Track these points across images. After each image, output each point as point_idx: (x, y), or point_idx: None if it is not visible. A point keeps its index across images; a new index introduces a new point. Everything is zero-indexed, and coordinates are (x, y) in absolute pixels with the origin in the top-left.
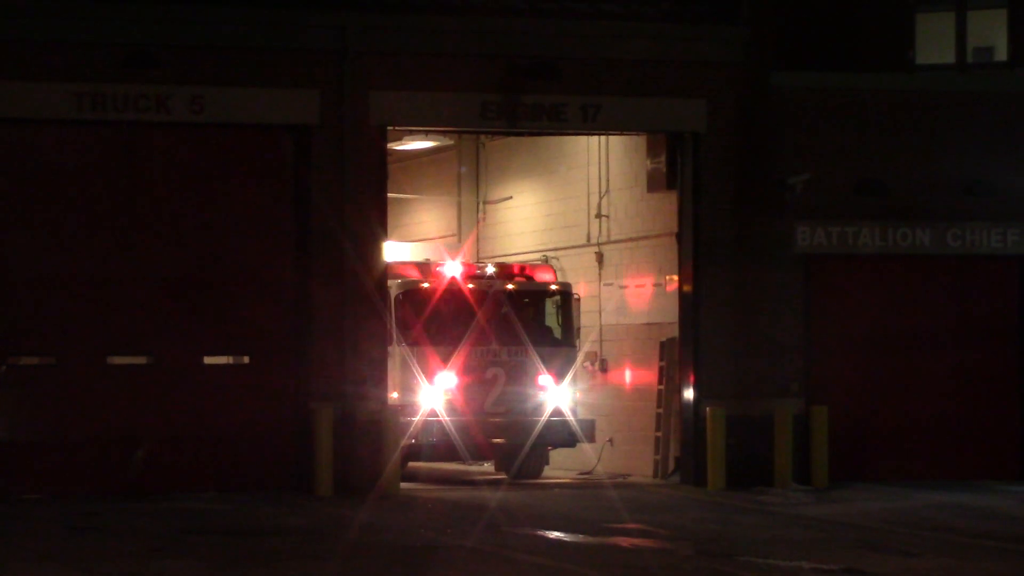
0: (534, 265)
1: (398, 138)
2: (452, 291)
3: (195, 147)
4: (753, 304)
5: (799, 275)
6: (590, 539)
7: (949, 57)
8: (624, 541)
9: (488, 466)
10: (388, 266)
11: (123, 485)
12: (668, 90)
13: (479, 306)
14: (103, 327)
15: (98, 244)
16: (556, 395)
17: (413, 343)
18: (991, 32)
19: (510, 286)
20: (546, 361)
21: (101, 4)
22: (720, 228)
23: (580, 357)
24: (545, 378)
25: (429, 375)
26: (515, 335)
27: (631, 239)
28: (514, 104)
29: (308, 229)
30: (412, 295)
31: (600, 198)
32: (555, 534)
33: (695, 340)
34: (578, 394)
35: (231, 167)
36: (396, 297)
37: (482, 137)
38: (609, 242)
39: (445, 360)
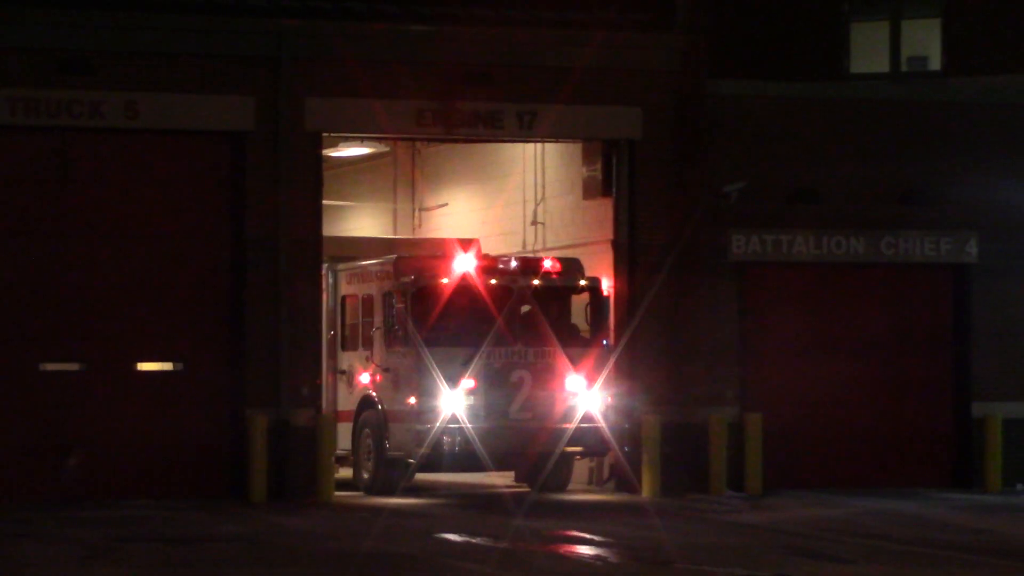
0: (560, 259)
1: (334, 145)
2: (472, 288)
3: (130, 153)
4: (688, 311)
5: (734, 282)
6: (524, 546)
7: (884, 66)
8: (559, 548)
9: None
10: (401, 260)
11: (56, 492)
12: (604, 98)
13: (502, 304)
14: (36, 333)
15: (30, 250)
16: (586, 399)
17: (432, 344)
18: (925, 41)
19: (536, 282)
20: (576, 363)
21: (35, 10)
22: (655, 235)
23: (612, 358)
24: (574, 381)
25: (449, 379)
26: (541, 335)
27: (567, 246)
28: (450, 111)
29: (243, 235)
30: (430, 292)
31: (536, 205)
32: (484, 540)
33: (630, 347)
34: (609, 399)
35: (166, 173)
36: (412, 294)
37: (418, 144)
38: (545, 249)
39: (466, 362)
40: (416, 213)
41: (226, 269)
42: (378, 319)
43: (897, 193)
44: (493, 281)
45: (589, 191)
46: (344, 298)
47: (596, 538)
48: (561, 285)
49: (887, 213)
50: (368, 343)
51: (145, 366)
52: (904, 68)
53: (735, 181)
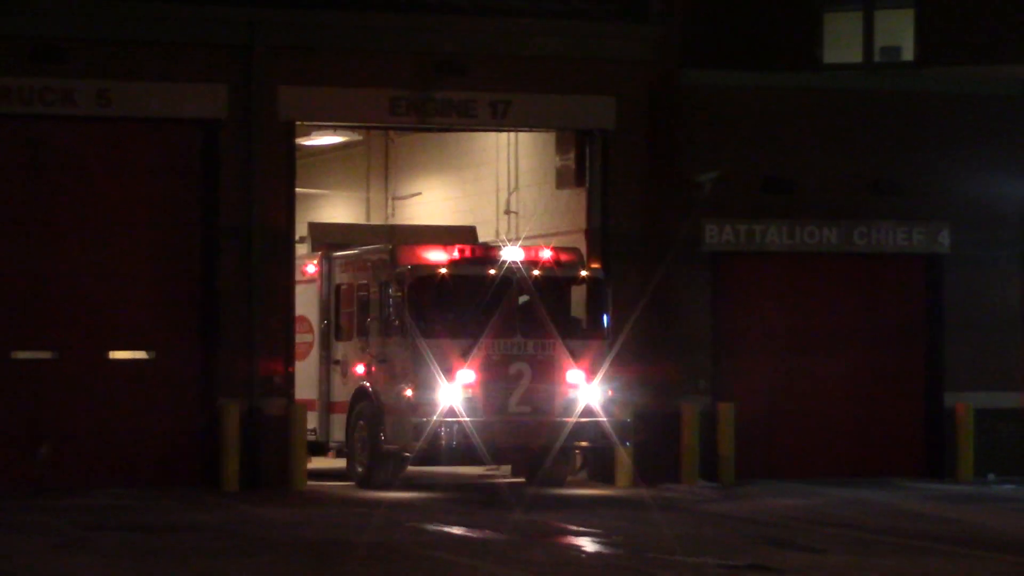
0: (560, 249)
1: (307, 133)
2: (472, 277)
3: (102, 141)
4: (661, 301)
5: (707, 272)
6: (495, 535)
7: (857, 56)
8: (530, 536)
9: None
10: (400, 249)
11: (27, 481)
12: (578, 87)
13: (502, 294)
14: (7, 322)
15: (1, 238)
16: (587, 393)
17: (429, 335)
18: (898, 32)
19: (536, 272)
20: (576, 355)
21: None
22: (629, 225)
23: (614, 351)
24: (575, 374)
25: (447, 371)
26: (542, 326)
27: (540, 236)
28: (424, 100)
29: (216, 223)
30: (428, 282)
31: (509, 194)
32: (458, 530)
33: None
34: (610, 392)
35: (139, 161)
36: (411, 284)
37: (391, 133)
38: (518, 238)
39: (465, 354)
40: (389, 202)
41: (199, 257)
42: (374, 309)
43: (870, 183)
44: (493, 271)
45: (562, 181)
46: (339, 287)
47: (573, 528)
48: (562, 276)
49: (860, 203)
50: (363, 333)
51: (117, 354)
52: (877, 58)
53: (708, 171)
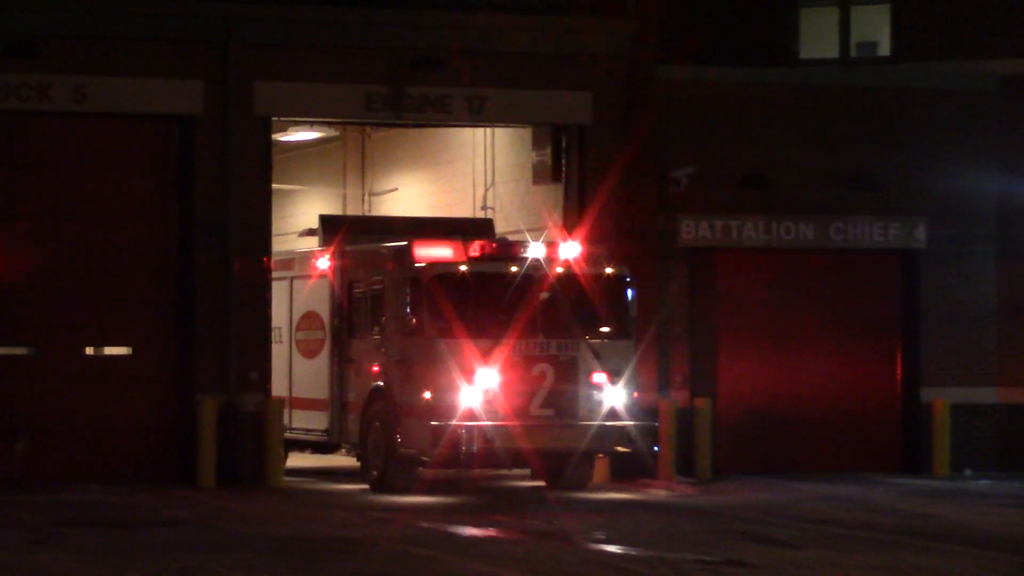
0: (584, 245)
1: (283, 129)
2: (493, 275)
3: (78, 137)
4: (638, 297)
5: (683, 268)
6: (474, 531)
7: (833, 52)
8: (510, 534)
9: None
10: (418, 244)
11: (3, 477)
12: (554, 82)
13: (524, 292)
14: None
15: None
16: (612, 395)
17: (448, 335)
18: (874, 27)
19: (559, 270)
20: (600, 356)
21: None
22: (605, 221)
23: (639, 351)
24: (599, 376)
25: (467, 372)
26: (565, 326)
27: (517, 231)
28: (399, 96)
29: (192, 219)
30: (448, 280)
31: (486, 190)
32: (437, 526)
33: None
34: (635, 394)
35: (114, 157)
36: (429, 282)
37: (367, 129)
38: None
39: (485, 355)
40: (366, 198)
41: (175, 253)
42: (390, 306)
43: (846, 179)
44: (515, 268)
45: (539, 177)
46: (352, 282)
47: (547, 526)
48: (586, 274)
49: (836, 199)
50: (379, 331)
51: (93, 350)
52: (853, 54)
53: (684, 166)
